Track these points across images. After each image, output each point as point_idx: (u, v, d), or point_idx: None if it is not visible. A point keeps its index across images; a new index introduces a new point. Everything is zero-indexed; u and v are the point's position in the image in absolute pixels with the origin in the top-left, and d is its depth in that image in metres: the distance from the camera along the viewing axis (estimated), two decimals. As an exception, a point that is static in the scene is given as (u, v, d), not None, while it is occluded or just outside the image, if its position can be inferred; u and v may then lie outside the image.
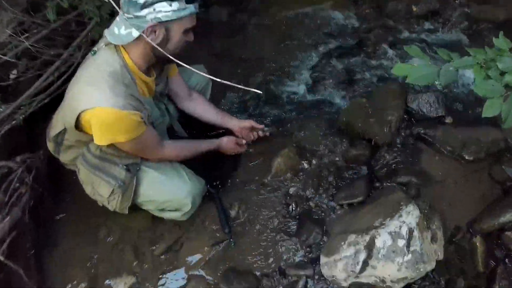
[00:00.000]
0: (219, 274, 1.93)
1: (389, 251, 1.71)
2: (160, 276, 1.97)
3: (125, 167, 1.82)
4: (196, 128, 2.33)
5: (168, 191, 1.92)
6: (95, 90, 1.56)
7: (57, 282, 1.99)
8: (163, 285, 1.94)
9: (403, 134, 2.32)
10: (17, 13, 2.19)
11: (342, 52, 3.20)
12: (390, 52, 3.10)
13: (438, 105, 2.37)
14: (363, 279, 1.76)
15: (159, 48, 1.56)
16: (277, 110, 2.72)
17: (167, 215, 2.03)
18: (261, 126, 2.33)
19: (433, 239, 1.79)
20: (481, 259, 1.88)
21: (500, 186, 2.08)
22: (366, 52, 3.15)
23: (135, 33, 1.59)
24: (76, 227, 2.17)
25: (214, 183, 2.23)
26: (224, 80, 1.40)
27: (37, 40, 2.23)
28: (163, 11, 1.56)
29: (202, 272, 1.95)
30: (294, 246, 2.00)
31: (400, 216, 1.77)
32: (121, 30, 1.62)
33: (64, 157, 1.95)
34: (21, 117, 2.09)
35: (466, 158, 2.17)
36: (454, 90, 2.61)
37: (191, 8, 1.63)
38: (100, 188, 1.86)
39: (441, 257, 1.78)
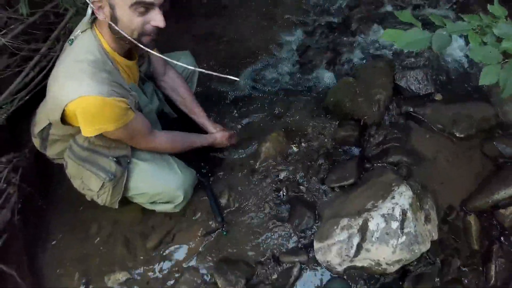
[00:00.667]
0: (212, 264, 1.91)
1: (383, 234, 1.70)
2: (153, 269, 1.95)
3: (114, 159, 1.76)
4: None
5: (160, 183, 1.88)
6: (77, 81, 1.47)
7: (51, 281, 1.97)
8: (156, 278, 1.93)
9: (392, 113, 2.29)
10: None
11: (327, 30, 3.14)
12: (376, 28, 3.04)
13: (427, 81, 2.34)
14: (358, 262, 1.75)
15: (114, 25, 1.47)
16: (263, 93, 2.68)
17: (158, 208, 2.00)
18: (232, 132, 2.25)
19: (427, 219, 1.78)
20: (475, 237, 1.86)
21: (492, 162, 2.06)
22: (351, 30, 3.09)
23: (89, 9, 1.50)
24: (67, 224, 2.14)
25: (204, 171, 2.19)
26: (205, 65, 1.33)
27: (15, 36, 2.16)
28: None
29: (195, 263, 1.94)
30: (287, 232, 1.98)
31: (393, 197, 1.76)
32: (88, 10, 1.54)
33: (51, 152, 1.89)
34: (3, 117, 2.04)
35: (457, 135, 2.15)
36: (443, 65, 2.56)
37: None
38: (89, 182, 1.79)
39: (435, 237, 1.77)
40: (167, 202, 1.96)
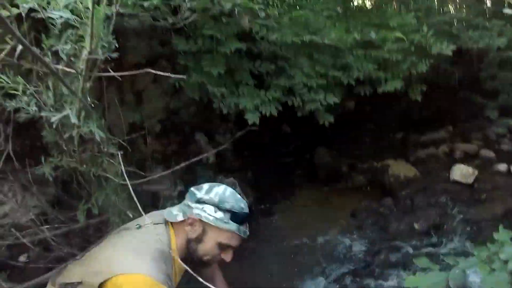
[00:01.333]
0: None
1: None
2: None
3: None
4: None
5: None
6: (140, 257, 1.52)
7: None
8: None
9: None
10: (43, 202, 2.42)
11: (351, 277, 3.16)
12: (399, 271, 3.05)
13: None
14: None
15: (191, 242, 1.67)
16: None
17: None
18: None
19: None
20: None
21: None
22: (374, 275, 3.10)
23: (180, 217, 1.69)
24: None
25: None
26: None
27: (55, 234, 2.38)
28: (207, 212, 1.65)
29: None
30: None
31: None
32: (173, 211, 1.74)
33: None
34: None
35: None
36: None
37: (232, 225, 1.66)
38: None
39: None
40: None
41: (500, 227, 1.66)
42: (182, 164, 2.52)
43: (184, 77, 2.24)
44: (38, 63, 1.60)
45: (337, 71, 3.20)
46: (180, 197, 2.08)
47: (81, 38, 1.42)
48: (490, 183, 3.90)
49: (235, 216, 1.66)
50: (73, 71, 1.47)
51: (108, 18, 1.48)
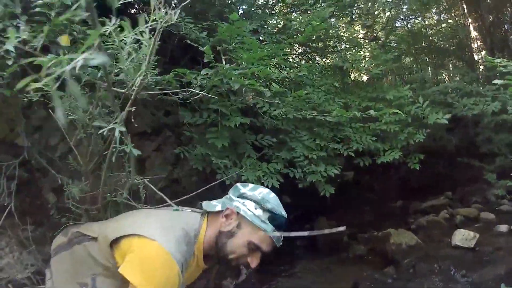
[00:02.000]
0: None
1: None
2: None
3: None
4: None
5: None
6: (162, 229, 1.47)
7: None
8: None
9: None
10: (39, 261, 2.40)
11: None
12: None
13: None
14: None
15: (222, 235, 1.57)
16: None
17: None
18: None
19: None
20: None
21: None
22: None
23: (218, 207, 1.63)
24: None
25: None
26: None
27: None
28: (247, 208, 1.59)
29: None
30: None
31: None
32: (213, 202, 1.68)
33: (58, 248, 1.71)
34: None
35: None
36: None
37: (268, 226, 1.58)
38: None
39: None
40: None
41: (502, 285, 1.68)
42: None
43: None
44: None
45: (336, 144, 3.31)
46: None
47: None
48: (492, 245, 3.92)
49: (274, 219, 1.58)
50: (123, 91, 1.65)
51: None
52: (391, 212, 5.05)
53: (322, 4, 4.58)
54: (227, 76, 2.43)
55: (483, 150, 5.35)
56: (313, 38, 4.43)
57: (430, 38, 8.95)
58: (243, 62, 2.69)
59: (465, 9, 8.58)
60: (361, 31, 8.34)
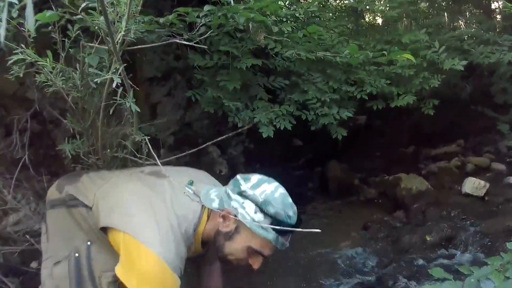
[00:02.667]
0: None
1: None
2: None
3: None
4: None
5: None
6: (161, 235, 1.37)
7: None
8: None
9: None
10: None
11: (363, 290, 3.18)
12: (411, 283, 3.06)
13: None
14: None
15: (220, 235, 1.49)
16: None
17: None
18: None
19: None
20: None
21: None
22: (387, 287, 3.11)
23: (215, 205, 1.50)
24: None
25: None
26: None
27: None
28: (246, 210, 1.44)
29: None
30: None
31: None
32: (212, 194, 1.55)
33: (52, 212, 1.64)
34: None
35: None
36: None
37: (270, 234, 1.43)
38: None
39: None
40: None
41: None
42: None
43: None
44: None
45: (350, 86, 3.25)
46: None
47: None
48: (502, 196, 3.94)
49: (277, 225, 1.42)
50: (105, 47, 1.61)
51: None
52: (402, 158, 5.05)
53: None
54: (231, 11, 2.34)
55: (497, 101, 5.25)
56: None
57: (447, -18, 8.59)
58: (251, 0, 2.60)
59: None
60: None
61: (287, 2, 3.25)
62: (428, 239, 3.40)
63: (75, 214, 1.56)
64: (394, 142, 5.24)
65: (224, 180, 1.77)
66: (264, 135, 2.76)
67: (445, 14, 8.30)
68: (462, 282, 1.53)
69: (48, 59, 1.64)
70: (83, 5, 1.44)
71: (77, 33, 1.73)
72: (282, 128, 2.84)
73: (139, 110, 1.63)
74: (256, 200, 1.44)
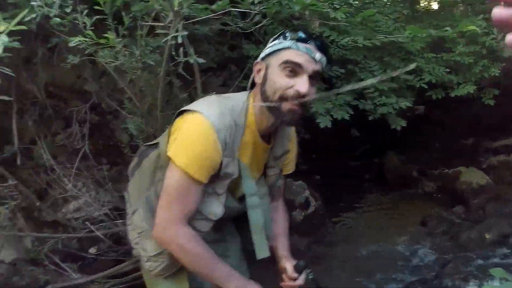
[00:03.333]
0: None
1: None
2: None
3: None
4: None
5: None
6: (206, 103, 1.40)
7: None
8: None
9: None
10: (116, 198, 2.53)
11: (421, 286, 3.06)
12: (469, 282, 2.93)
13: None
14: None
15: (261, 88, 1.41)
16: None
17: None
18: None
19: None
20: None
21: None
22: (445, 285, 2.99)
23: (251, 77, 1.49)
24: None
25: None
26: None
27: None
28: (266, 48, 1.45)
29: None
30: None
31: None
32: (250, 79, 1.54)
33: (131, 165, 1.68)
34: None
35: None
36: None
37: (286, 42, 1.39)
38: (147, 241, 1.49)
39: None
40: None
41: None
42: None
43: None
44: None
45: (408, 75, 3.13)
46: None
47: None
48: None
49: (289, 34, 1.39)
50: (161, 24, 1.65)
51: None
52: (461, 150, 4.83)
53: None
54: (286, -2, 2.28)
55: (561, 91, 4.94)
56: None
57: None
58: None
59: None
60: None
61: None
62: (487, 236, 3.24)
63: (145, 165, 1.58)
64: (453, 134, 5.04)
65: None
66: (321, 126, 2.70)
67: None
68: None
69: (110, 37, 1.68)
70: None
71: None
72: (339, 118, 2.76)
73: (204, 61, 1.66)
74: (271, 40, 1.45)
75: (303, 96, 1.34)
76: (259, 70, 1.45)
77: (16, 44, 1.99)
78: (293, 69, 1.36)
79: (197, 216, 1.43)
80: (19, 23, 1.98)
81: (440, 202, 4.03)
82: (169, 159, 1.35)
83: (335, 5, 3.00)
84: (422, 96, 3.56)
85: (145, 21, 1.94)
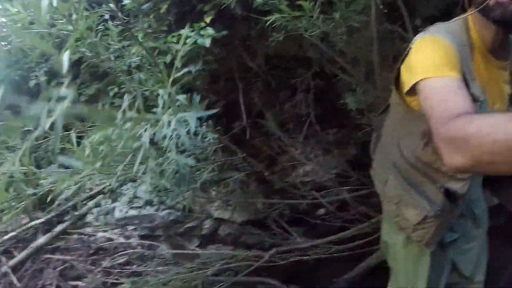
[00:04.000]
0: None
1: None
2: None
3: (443, 189, 1.29)
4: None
5: None
6: (432, 28, 1.21)
7: None
8: None
9: None
10: (342, 163, 2.58)
11: None
12: None
13: None
14: None
15: None
16: None
17: None
18: None
19: None
20: None
21: None
22: None
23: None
24: None
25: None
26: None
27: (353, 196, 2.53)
28: None
29: None
30: None
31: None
32: None
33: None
34: (314, 256, 2.30)
35: None
36: None
37: None
38: (407, 210, 1.38)
39: None
40: None
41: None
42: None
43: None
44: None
45: None
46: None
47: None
48: None
49: None
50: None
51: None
52: None
53: None
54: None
55: None
56: None
57: None
58: None
59: None
60: None
61: None
62: None
63: (384, 134, 1.50)
64: None
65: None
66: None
67: None
68: None
69: (305, 5, 1.69)
70: None
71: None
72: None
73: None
74: None
75: None
76: None
77: (224, 33, 2.19)
78: None
79: None
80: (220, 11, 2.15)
81: None
82: (410, 92, 1.13)
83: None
84: None
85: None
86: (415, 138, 1.28)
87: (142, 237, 2.73)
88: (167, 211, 2.78)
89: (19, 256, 2.71)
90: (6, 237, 2.83)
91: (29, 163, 1.08)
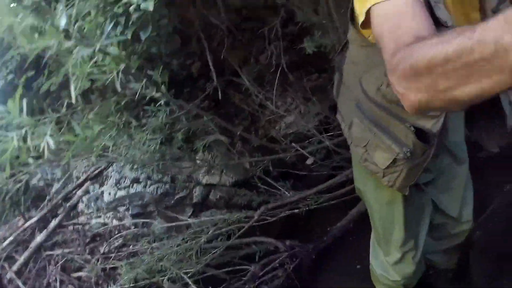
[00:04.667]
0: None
1: None
2: None
3: (413, 128, 1.19)
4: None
5: None
6: None
7: None
8: None
9: None
10: (324, 109, 2.50)
11: None
12: None
13: None
14: None
15: None
16: None
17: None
18: None
19: None
20: None
21: None
22: None
23: None
24: None
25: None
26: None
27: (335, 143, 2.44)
28: None
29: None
30: None
31: None
32: None
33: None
34: (304, 208, 2.25)
35: None
36: None
37: None
38: (375, 153, 1.29)
39: None
40: None
41: None
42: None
43: None
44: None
45: None
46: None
47: None
48: None
49: None
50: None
51: None
52: None
53: None
54: None
55: None
56: None
57: None
58: None
59: None
60: None
61: None
62: None
63: (345, 73, 1.38)
64: None
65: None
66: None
67: None
68: None
69: None
70: None
71: None
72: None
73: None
74: None
75: None
76: None
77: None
78: None
79: None
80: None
81: None
82: (365, 24, 0.97)
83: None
84: None
85: None
86: (377, 74, 1.15)
87: (134, 216, 2.70)
88: (154, 185, 2.74)
89: (21, 259, 2.72)
90: (5, 243, 2.82)
91: None
